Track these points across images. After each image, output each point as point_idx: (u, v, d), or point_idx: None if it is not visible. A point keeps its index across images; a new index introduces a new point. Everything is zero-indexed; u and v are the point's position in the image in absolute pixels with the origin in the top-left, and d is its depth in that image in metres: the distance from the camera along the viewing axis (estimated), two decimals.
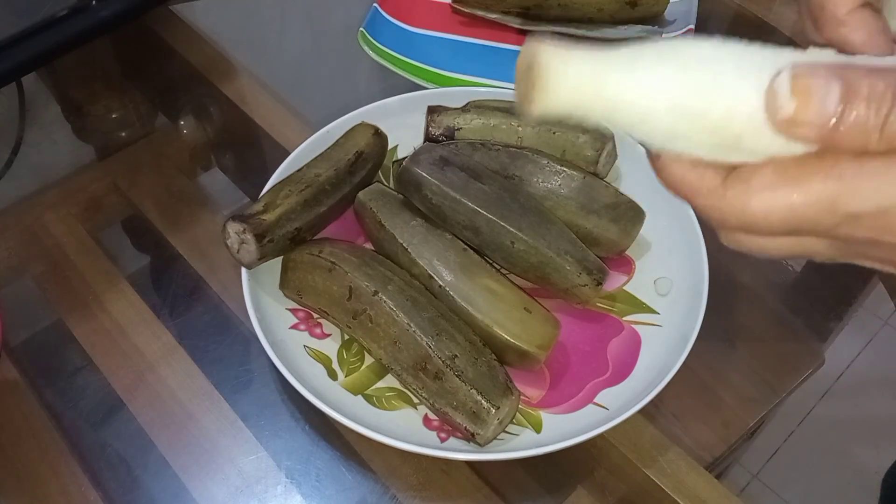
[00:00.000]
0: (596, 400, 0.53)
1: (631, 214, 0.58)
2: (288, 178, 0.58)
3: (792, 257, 0.29)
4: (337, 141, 0.61)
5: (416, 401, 0.53)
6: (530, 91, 0.26)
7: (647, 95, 0.26)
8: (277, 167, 0.61)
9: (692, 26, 0.74)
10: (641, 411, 0.51)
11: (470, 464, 0.52)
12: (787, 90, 0.25)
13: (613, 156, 0.62)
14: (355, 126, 0.62)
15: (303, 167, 0.59)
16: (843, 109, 0.24)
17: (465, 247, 0.56)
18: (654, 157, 0.29)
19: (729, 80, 0.26)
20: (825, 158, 0.25)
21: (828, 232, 0.27)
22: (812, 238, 0.28)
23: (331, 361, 0.55)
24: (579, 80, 0.26)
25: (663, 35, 0.74)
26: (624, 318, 0.57)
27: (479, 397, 0.49)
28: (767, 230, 0.27)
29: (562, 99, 0.26)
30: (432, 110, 0.63)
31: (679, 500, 0.51)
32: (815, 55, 0.26)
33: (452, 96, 0.65)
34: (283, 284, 0.57)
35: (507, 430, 0.51)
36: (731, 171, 0.27)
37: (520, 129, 0.61)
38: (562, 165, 0.58)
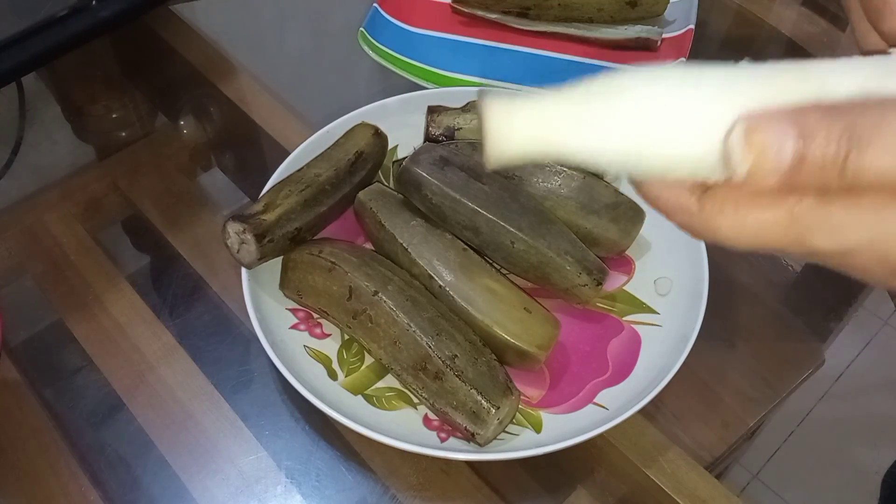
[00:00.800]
0: (596, 400, 0.53)
1: (631, 214, 0.58)
2: (288, 178, 0.58)
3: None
4: (337, 141, 0.61)
5: (416, 401, 0.53)
6: (484, 145, 0.27)
7: (595, 144, 0.27)
8: (277, 167, 0.61)
9: (692, 26, 0.74)
10: (641, 411, 0.51)
11: (470, 464, 0.52)
12: (740, 148, 0.25)
13: None
14: (355, 126, 0.62)
15: (303, 167, 0.59)
16: (800, 157, 0.24)
17: (465, 247, 0.56)
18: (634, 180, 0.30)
19: (681, 126, 0.26)
20: (792, 194, 0.26)
21: (798, 256, 0.27)
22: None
23: (331, 361, 0.55)
24: (523, 135, 0.27)
25: (663, 35, 0.74)
26: (624, 318, 0.57)
27: (479, 397, 0.49)
28: (740, 249, 0.27)
29: (509, 154, 0.27)
30: (432, 110, 0.63)
31: (679, 500, 0.51)
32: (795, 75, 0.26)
33: (452, 96, 0.65)
34: (283, 284, 0.57)
35: (507, 430, 0.51)
36: (705, 191, 0.27)
37: None
38: (562, 165, 0.58)
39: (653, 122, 0.26)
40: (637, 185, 0.29)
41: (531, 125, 0.27)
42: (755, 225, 0.26)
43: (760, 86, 0.26)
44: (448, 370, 0.50)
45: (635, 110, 0.26)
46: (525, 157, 0.27)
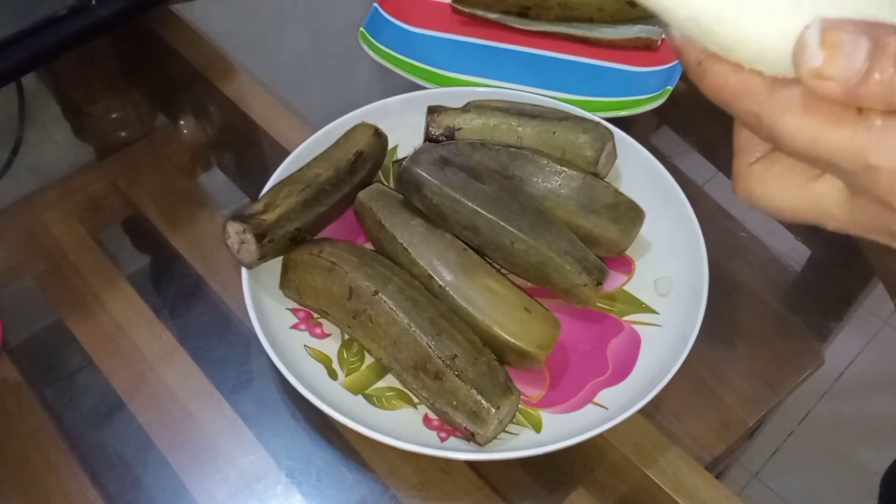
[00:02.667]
0: (596, 400, 0.53)
1: (631, 214, 0.58)
2: (288, 178, 0.58)
3: (802, 220, 0.29)
4: (337, 141, 0.61)
5: (416, 401, 0.53)
6: None
7: None
8: (277, 167, 0.61)
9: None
10: (641, 411, 0.51)
11: (470, 464, 0.52)
12: (815, 43, 0.25)
13: (613, 156, 0.62)
14: (355, 126, 0.62)
15: (303, 167, 0.59)
16: (870, 67, 0.24)
17: (465, 247, 0.56)
18: (694, 66, 0.30)
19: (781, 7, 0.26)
20: (859, 114, 0.25)
21: (846, 179, 0.27)
22: (827, 190, 0.28)
23: (331, 361, 0.55)
24: None
25: (663, 35, 0.74)
26: (624, 318, 0.57)
27: (479, 397, 0.49)
28: (790, 150, 0.27)
29: None
30: (432, 110, 0.63)
31: (679, 500, 0.51)
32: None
33: (452, 96, 0.65)
34: (283, 284, 0.57)
35: (507, 429, 0.51)
36: (775, 82, 0.27)
37: (520, 129, 0.61)
38: (562, 165, 0.58)
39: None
40: (701, 75, 0.29)
41: None
42: (816, 126, 0.26)
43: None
44: (448, 370, 0.50)
45: None
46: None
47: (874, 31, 0.24)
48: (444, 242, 0.55)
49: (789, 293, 0.65)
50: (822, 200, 0.29)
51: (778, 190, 0.29)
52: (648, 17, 0.76)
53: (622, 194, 0.58)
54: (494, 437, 0.50)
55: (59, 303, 0.60)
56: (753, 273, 0.64)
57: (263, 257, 0.55)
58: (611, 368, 0.55)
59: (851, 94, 0.25)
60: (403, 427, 0.51)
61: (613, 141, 0.61)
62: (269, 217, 0.55)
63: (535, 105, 0.64)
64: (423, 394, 0.51)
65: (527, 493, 0.52)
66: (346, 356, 0.55)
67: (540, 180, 0.58)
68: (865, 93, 0.24)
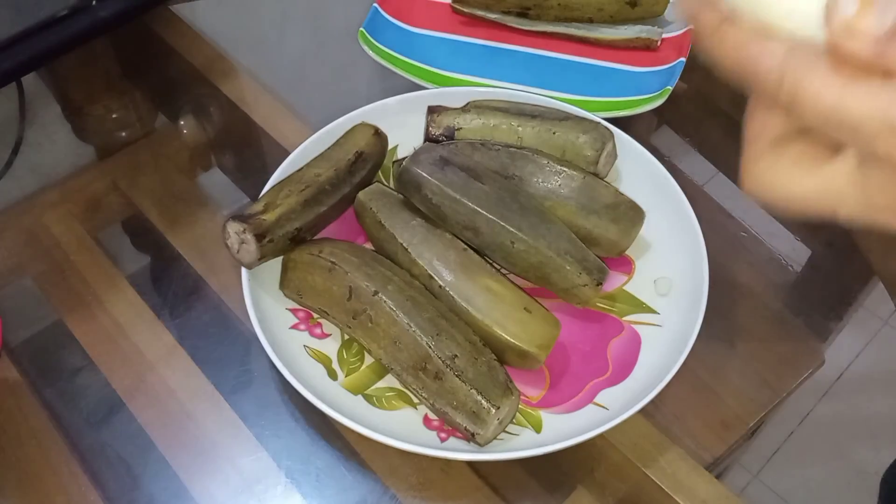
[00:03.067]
0: (596, 400, 0.53)
1: (631, 214, 0.58)
2: (288, 178, 0.58)
3: (814, 209, 0.28)
4: (337, 141, 0.61)
5: (416, 401, 0.53)
6: None
7: None
8: (277, 167, 0.61)
9: (693, 26, 0.73)
10: (641, 411, 0.51)
11: (470, 464, 0.52)
12: None
13: (613, 156, 0.62)
14: (355, 126, 0.62)
15: (303, 167, 0.59)
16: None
17: (465, 247, 0.56)
18: (710, 33, 0.29)
19: None
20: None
21: (865, 146, 0.26)
22: (840, 170, 0.27)
23: (331, 361, 0.55)
24: None
25: (663, 35, 0.74)
26: (624, 318, 0.57)
27: (479, 397, 0.49)
28: (813, 112, 0.26)
29: None
30: (432, 110, 0.63)
31: (679, 500, 0.51)
32: None
33: (452, 96, 0.65)
34: (283, 284, 0.57)
35: (507, 430, 0.51)
36: (799, 44, 0.26)
37: (520, 129, 0.61)
38: (562, 165, 0.58)
39: None
40: (720, 33, 0.28)
41: None
42: (842, 84, 0.25)
43: None
44: (448, 370, 0.50)
45: None
46: None
47: None
48: (444, 242, 0.55)
49: (789, 293, 0.65)
50: (835, 181, 0.28)
51: (790, 176, 0.28)
52: (648, 17, 0.76)
53: (622, 194, 0.58)
54: (494, 438, 0.50)
55: (59, 303, 0.60)
56: (753, 273, 0.64)
57: (263, 257, 0.55)
58: (611, 368, 0.55)
59: (880, 54, 0.24)
60: (403, 427, 0.51)
61: (613, 141, 0.61)
62: (269, 217, 0.55)
63: (535, 105, 0.64)
64: (423, 394, 0.51)
65: (527, 494, 0.52)
66: (345, 356, 0.55)
67: (540, 180, 0.58)
68: (893, 56, 0.24)
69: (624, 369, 0.55)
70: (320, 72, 0.79)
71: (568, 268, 0.54)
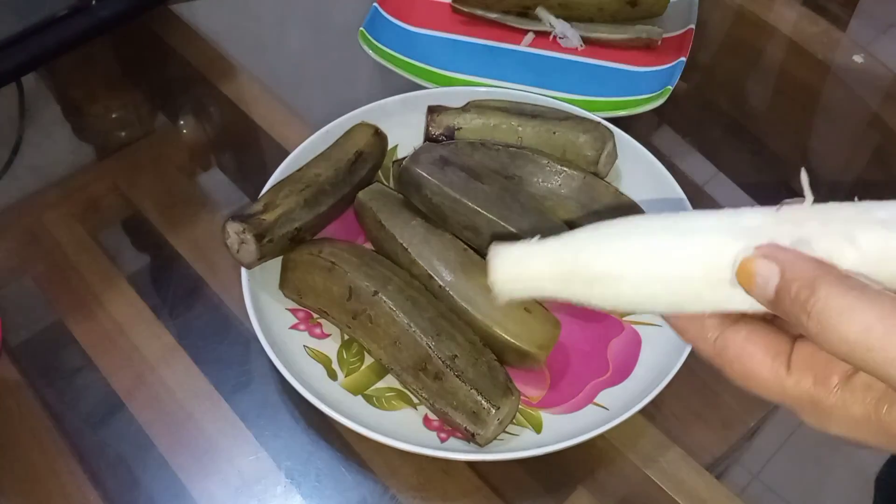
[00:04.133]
0: (596, 400, 0.53)
1: (631, 214, 0.58)
2: (288, 177, 0.58)
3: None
4: (337, 141, 0.61)
5: (416, 401, 0.53)
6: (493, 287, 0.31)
7: (602, 294, 0.30)
8: (277, 167, 0.61)
9: (692, 26, 0.74)
10: (641, 411, 0.51)
11: (470, 464, 0.52)
12: (740, 260, 0.28)
13: (613, 156, 0.62)
14: (355, 126, 0.62)
15: (303, 167, 0.59)
16: (777, 297, 0.27)
17: (465, 247, 0.56)
18: (669, 320, 0.32)
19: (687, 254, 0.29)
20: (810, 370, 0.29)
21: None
22: None
23: (331, 361, 0.55)
24: (529, 287, 0.31)
25: (663, 35, 0.74)
26: (624, 318, 0.57)
27: (479, 397, 0.49)
28: (754, 390, 0.30)
29: (518, 296, 0.31)
30: (432, 110, 0.63)
31: (679, 500, 0.51)
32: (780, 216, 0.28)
33: (452, 96, 0.65)
34: (283, 284, 0.57)
35: (507, 430, 0.51)
36: (730, 325, 0.30)
37: (520, 129, 0.61)
38: (562, 165, 0.58)
39: (655, 271, 0.29)
40: (665, 318, 0.32)
41: (534, 283, 0.31)
42: (774, 371, 0.29)
43: (745, 231, 0.28)
44: (448, 370, 0.50)
45: (636, 267, 0.29)
46: (531, 295, 0.31)
47: (787, 264, 0.27)
48: (444, 242, 0.55)
49: None
50: None
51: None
52: (648, 17, 0.76)
53: (622, 194, 0.58)
54: (494, 438, 0.50)
55: (59, 303, 0.60)
56: None
57: (263, 257, 0.55)
58: (611, 369, 0.55)
59: (774, 305, 0.28)
60: (403, 427, 0.51)
61: (613, 141, 0.61)
62: (269, 217, 0.55)
63: (535, 105, 0.63)
64: (423, 394, 0.51)
65: (527, 494, 0.52)
66: (345, 356, 0.55)
67: (540, 180, 0.58)
68: (780, 312, 0.28)
69: (624, 369, 0.55)
70: (320, 72, 0.79)
71: None
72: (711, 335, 0.30)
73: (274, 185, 0.58)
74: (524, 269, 0.30)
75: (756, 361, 0.29)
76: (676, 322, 0.31)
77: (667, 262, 0.29)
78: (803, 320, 0.27)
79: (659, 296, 0.29)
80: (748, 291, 0.28)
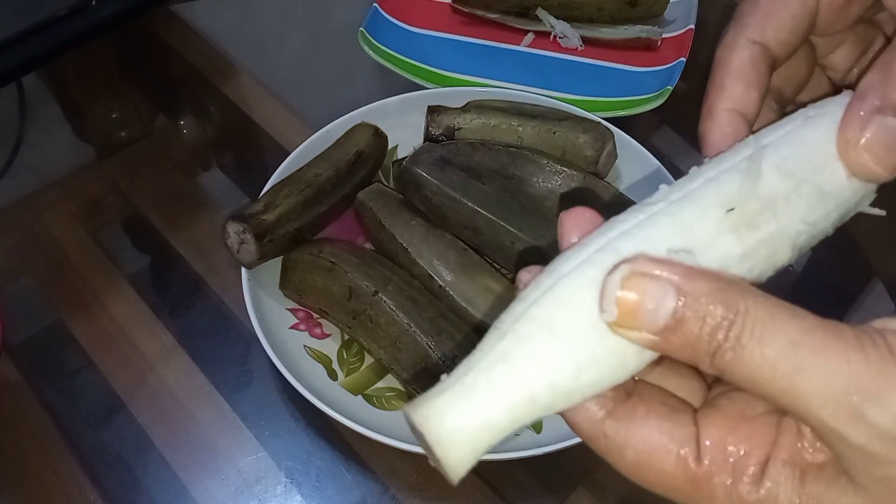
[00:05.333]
0: None
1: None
2: (288, 177, 0.58)
3: None
4: (337, 141, 0.61)
5: None
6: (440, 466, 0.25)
7: (525, 414, 0.24)
8: (277, 167, 0.61)
9: (692, 26, 0.73)
10: None
11: None
12: (614, 292, 0.23)
13: (613, 156, 0.62)
14: (355, 126, 0.62)
15: (303, 167, 0.59)
16: (675, 323, 0.22)
17: (465, 247, 0.56)
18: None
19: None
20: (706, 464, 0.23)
21: None
22: None
23: (331, 361, 0.55)
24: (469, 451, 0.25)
25: (663, 35, 0.74)
26: None
27: None
28: (654, 488, 0.25)
29: (468, 463, 0.25)
30: (432, 110, 0.63)
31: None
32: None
33: (452, 96, 0.65)
34: (283, 284, 0.57)
35: None
36: (622, 401, 0.24)
37: (520, 129, 0.61)
38: (562, 165, 0.58)
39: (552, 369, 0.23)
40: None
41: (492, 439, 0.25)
42: (657, 467, 0.24)
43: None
44: (448, 370, 0.49)
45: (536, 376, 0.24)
46: (482, 452, 0.25)
47: (685, 287, 0.22)
48: (444, 242, 0.55)
49: (789, 293, 0.65)
50: None
51: None
52: (648, 17, 0.76)
53: (622, 194, 0.58)
54: None
55: (59, 303, 0.60)
56: None
57: (263, 257, 0.55)
58: None
59: (657, 347, 0.23)
60: (403, 427, 0.51)
61: (613, 141, 0.61)
62: (269, 217, 0.55)
63: (535, 105, 0.63)
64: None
65: (527, 493, 0.52)
66: (345, 356, 0.55)
67: (540, 180, 0.58)
68: (671, 349, 0.23)
69: None
70: (320, 72, 0.79)
71: None
72: (598, 415, 0.24)
73: (274, 185, 0.58)
74: (483, 436, 0.24)
75: (658, 450, 0.23)
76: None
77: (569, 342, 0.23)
78: (714, 346, 0.22)
79: (598, 380, 0.24)
80: (627, 326, 0.22)
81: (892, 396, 0.21)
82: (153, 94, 0.76)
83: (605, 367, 0.23)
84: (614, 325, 0.23)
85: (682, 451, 0.23)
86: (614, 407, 0.24)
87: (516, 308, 0.24)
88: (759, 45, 0.29)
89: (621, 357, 0.23)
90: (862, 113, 0.25)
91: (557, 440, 0.49)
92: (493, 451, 0.52)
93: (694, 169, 0.26)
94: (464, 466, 0.24)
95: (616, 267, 0.23)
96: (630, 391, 0.25)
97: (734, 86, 0.29)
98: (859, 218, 0.28)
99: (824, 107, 0.27)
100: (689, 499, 0.24)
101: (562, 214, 0.26)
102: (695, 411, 0.25)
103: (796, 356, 0.21)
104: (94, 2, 0.71)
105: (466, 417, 0.24)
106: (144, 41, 0.78)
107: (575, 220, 0.26)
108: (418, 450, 0.49)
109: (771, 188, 0.25)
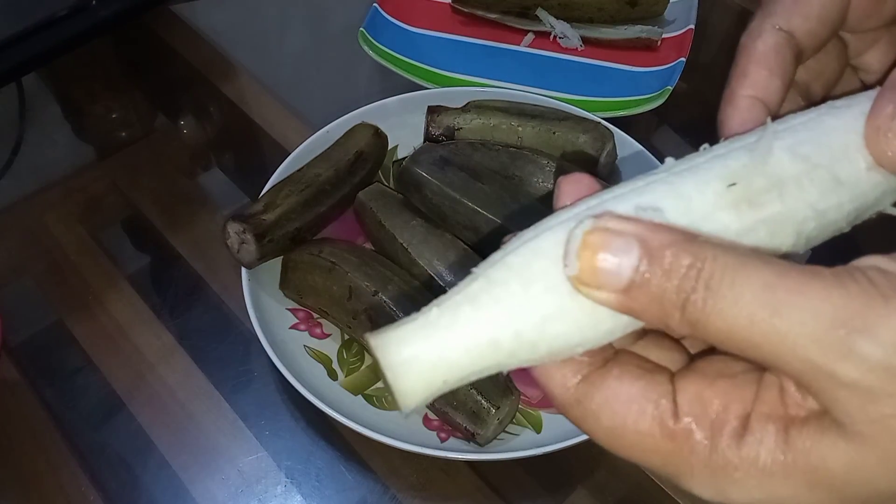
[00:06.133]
0: None
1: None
2: (288, 178, 0.58)
3: None
4: (337, 141, 0.61)
5: None
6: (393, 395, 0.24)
7: (493, 359, 0.23)
8: (277, 167, 0.61)
9: (692, 26, 0.73)
10: None
11: (470, 464, 0.52)
12: (576, 246, 0.22)
13: (613, 156, 0.62)
14: (355, 126, 0.62)
15: (303, 167, 0.59)
16: (640, 278, 0.21)
17: (465, 247, 0.56)
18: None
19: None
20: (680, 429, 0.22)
21: None
22: None
23: (331, 361, 0.55)
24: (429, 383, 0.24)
25: (663, 35, 0.74)
26: None
27: (478, 397, 0.49)
28: (627, 452, 0.24)
29: (422, 399, 0.24)
30: (432, 110, 0.63)
31: (679, 500, 0.51)
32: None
33: (452, 96, 0.65)
34: (283, 284, 0.57)
35: (507, 429, 0.51)
36: (598, 366, 0.24)
37: (520, 129, 0.61)
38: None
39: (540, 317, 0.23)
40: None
41: (451, 379, 0.24)
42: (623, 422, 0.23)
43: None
44: None
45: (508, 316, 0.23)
46: (435, 395, 0.24)
47: (649, 238, 0.21)
48: (444, 242, 0.55)
49: None
50: None
51: None
52: (648, 17, 0.76)
53: None
54: (494, 438, 0.50)
55: (59, 303, 0.60)
56: None
57: (263, 257, 0.55)
58: None
59: (623, 306, 0.22)
60: (403, 427, 0.51)
61: (613, 141, 0.61)
62: (269, 217, 0.55)
63: (535, 105, 0.63)
64: None
65: (527, 494, 0.52)
66: (345, 356, 0.55)
67: (540, 180, 0.58)
68: (637, 307, 0.22)
69: None
70: (320, 72, 0.79)
71: None
72: (571, 381, 0.23)
73: (274, 185, 0.58)
74: (439, 371, 0.23)
75: (632, 409, 0.22)
76: (536, 369, 0.24)
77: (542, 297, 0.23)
78: (682, 297, 0.21)
79: (566, 335, 0.23)
80: (592, 284, 0.21)
81: (880, 326, 0.20)
82: (153, 94, 0.76)
83: (573, 323, 0.23)
84: (579, 284, 0.22)
85: (657, 409, 0.22)
86: (589, 373, 0.23)
87: (494, 255, 0.24)
88: (785, 33, 0.28)
89: (593, 316, 0.23)
90: (894, 104, 0.24)
91: (557, 440, 0.49)
92: (493, 451, 0.52)
93: (705, 146, 0.26)
94: (414, 397, 0.23)
95: (580, 222, 0.22)
96: (607, 359, 0.24)
97: (757, 72, 0.28)
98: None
99: (853, 99, 0.26)
100: (669, 460, 0.22)
101: (560, 178, 0.26)
102: (672, 374, 0.24)
103: (773, 297, 0.20)
104: (94, 2, 0.71)
105: (424, 348, 0.23)
106: (144, 41, 0.78)
107: (572, 184, 0.25)
108: (418, 449, 0.49)
109: (780, 169, 0.24)
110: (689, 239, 0.21)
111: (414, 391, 0.23)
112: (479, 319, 0.23)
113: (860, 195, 0.25)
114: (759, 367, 0.23)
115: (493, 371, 0.23)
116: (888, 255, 0.21)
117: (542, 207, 0.56)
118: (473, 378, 0.24)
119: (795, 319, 0.20)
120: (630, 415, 0.22)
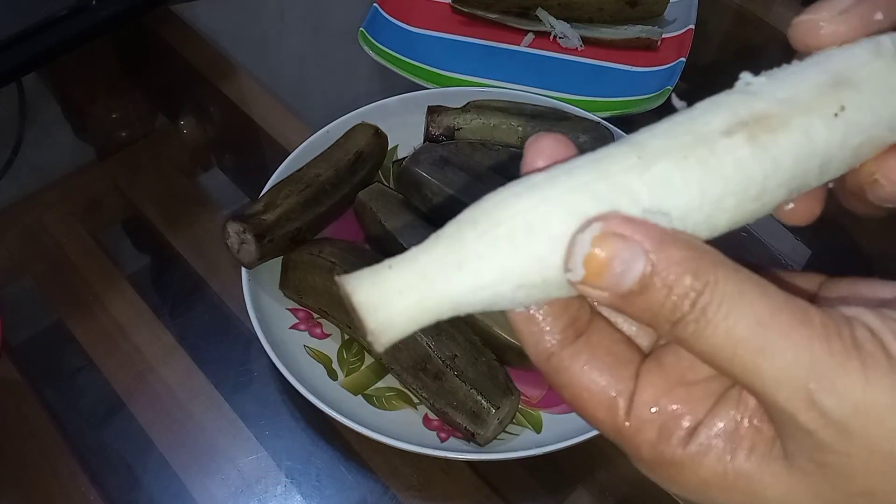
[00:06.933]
0: None
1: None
2: (288, 178, 0.58)
3: None
4: (337, 141, 0.61)
5: (416, 401, 0.53)
6: (367, 333, 0.23)
7: (475, 298, 0.24)
8: (277, 167, 0.61)
9: (692, 26, 0.74)
10: None
11: (470, 464, 0.52)
12: (584, 252, 0.21)
13: None
14: (355, 126, 0.62)
15: (303, 167, 0.59)
16: (640, 287, 0.21)
17: None
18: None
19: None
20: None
21: None
22: None
23: (331, 361, 0.55)
24: (404, 318, 0.24)
25: (663, 35, 0.74)
26: None
27: (479, 397, 0.49)
28: (591, 425, 0.25)
29: (395, 336, 0.24)
30: (432, 110, 0.63)
31: (679, 500, 0.51)
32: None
33: (452, 96, 0.65)
34: (283, 284, 0.57)
35: (507, 430, 0.51)
36: (570, 342, 0.24)
37: (520, 129, 0.61)
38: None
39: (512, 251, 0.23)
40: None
41: (423, 318, 0.24)
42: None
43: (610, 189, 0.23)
44: (448, 370, 0.50)
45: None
46: (411, 329, 0.24)
47: (657, 251, 0.21)
48: None
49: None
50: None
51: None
52: (648, 18, 0.76)
53: None
54: (494, 438, 0.50)
55: (59, 303, 0.60)
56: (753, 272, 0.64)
57: (263, 257, 0.55)
58: None
59: (617, 307, 0.22)
60: (403, 427, 0.51)
61: (613, 141, 0.61)
62: (269, 217, 0.55)
63: (535, 105, 0.64)
64: (423, 394, 0.51)
65: (527, 493, 0.52)
66: (345, 356, 0.55)
67: None
68: (631, 311, 0.22)
69: None
70: (320, 72, 0.79)
71: None
72: (548, 347, 0.24)
73: (274, 185, 0.58)
74: (414, 309, 0.23)
75: (592, 399, 0.24)
76: (514, 315, 0.24)
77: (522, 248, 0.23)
78: (677, 315, 0.21)
79: (535, 297, 0.23)
80: (590, 284, 0.22)
81: (848, 389, 0.21)
82: (153, 94, 0.76)
83: (547, 288, 0.23)
84: (577, 284, 0.22)
85: (614, 403, 0.24)
86: (560, 349, 0.24)
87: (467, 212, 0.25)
88: None
89: (569, 290, 0.23)
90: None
91: (557, 440, 0.49)
92: (493, 451, 0.52)
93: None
94: (390, 333, 0.23)
95: (587, 224, 0.22)
96: (582, 330, 0.24)
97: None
98: (860, 217, 0.28)
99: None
100: (619, 443, 0.25)
101: (531, 138, 0.26)
102: (640, 360, 0.24)
103: (762, 336, 0.21)
104: (94, 2, 0.71)
105: (395, 281, 0.24)
106: (144, 41, 0.78)
107: (546, 143, 0.25)
108: (418, 449, 0.49)
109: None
110: (695, 257, 0.21)
111: (390, 326, 0.23)
112: (458, 260, 0.24)
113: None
114: (726, 380, 0.23)
115: (461, 311, 0.24)
116: (878, 312, 0.22)
117: None
118: (445, 316, 0.24)
119: (776, 363, 0.21)
120: (589, 405, 0.24)
